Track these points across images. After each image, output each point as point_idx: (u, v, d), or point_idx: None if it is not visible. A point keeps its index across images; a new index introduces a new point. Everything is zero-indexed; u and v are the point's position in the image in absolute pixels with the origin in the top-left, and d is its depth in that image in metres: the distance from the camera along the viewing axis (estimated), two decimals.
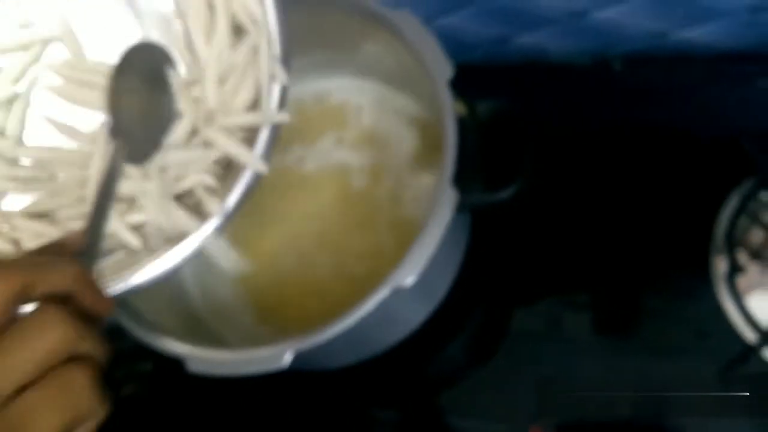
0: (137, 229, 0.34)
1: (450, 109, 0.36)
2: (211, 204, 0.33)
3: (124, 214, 0.34)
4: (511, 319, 0.50)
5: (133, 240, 0.33)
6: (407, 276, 0.35)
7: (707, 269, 0.45)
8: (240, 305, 0.47)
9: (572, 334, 0.48)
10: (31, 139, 0.37)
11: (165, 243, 0.33)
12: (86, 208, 0.34)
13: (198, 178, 0.34)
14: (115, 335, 0.53)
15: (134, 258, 0.33)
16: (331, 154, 0.49)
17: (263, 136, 0.33)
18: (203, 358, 0.36)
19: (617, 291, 0.48)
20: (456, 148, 0.36)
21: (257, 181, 0.33)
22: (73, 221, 0.35)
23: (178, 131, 0.34)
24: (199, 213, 0.34)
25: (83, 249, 0.29)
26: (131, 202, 0.34)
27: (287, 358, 0.35)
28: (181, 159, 0.34)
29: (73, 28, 0.37)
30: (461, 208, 0.36)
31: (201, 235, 0.33)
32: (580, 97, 0.56)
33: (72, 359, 0.24)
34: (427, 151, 0.46)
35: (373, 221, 0.46)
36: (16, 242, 0.35)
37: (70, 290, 0.26)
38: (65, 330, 0.24)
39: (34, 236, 0.34)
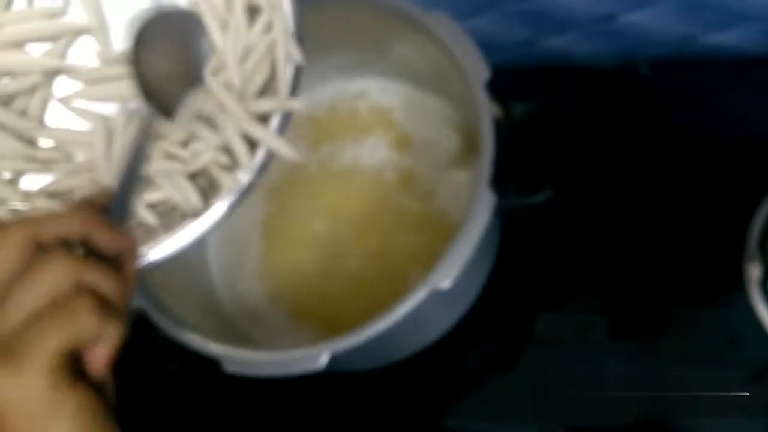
0: (153, 207, 0.34)
1: (487, 110, 0.36)
2: (225, 179, 0.33)
3: (141, 193, 0.34)
4: (538, 323, 0.49)
5: (149, 217, 0.34)
6: (444, 278, 0.35)
7: (741, 275, 0.45)
8: (271, 306, 0.47)
9: (600, 340, 0.48)
10: (50, 120, 0.37)
11: (181, 220, 0.34)
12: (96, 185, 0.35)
13: (213, 155, 0.34)
14: (142, 334, 0.53)
15: (150, 235, 0.34)
16: (364, 154, 0.49)
17: (276, 119, 0.34)
18: (239, 359, 0.36)
19: (648, 297, 0.48)
20: (493, 150, 0.36)
21: (272, 159, 0.34)
22: None
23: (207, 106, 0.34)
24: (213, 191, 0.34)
25: (110, 206, 0.31)
26: (147, 181, 0.35)
27: (324, 359, 0.35)
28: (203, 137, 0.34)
29: (106, 20, 0.37)
30: (497, 210, 0.36)
31: (216, 212, 0.33)
32: (608, 100, 0.56)
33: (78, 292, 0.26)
34: (460, 152, 0.46)
35: (407, 221, 0.46)
36: None
37: (82, 233, 0.28)
38: (66, 266, 0.26)
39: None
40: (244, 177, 0.33)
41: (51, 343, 0.25)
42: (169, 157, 0.34)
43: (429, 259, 0.44)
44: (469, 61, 0.38)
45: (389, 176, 0.48)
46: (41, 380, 0.25)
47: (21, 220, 0.28)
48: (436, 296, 0.36)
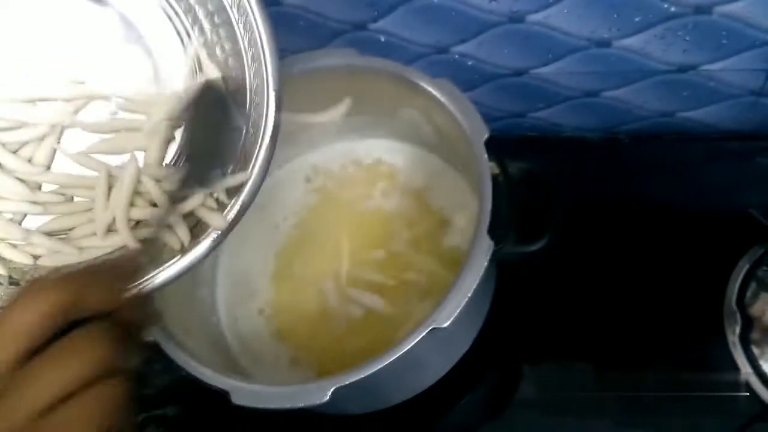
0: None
1: (485, 166, 0.40)
2: (213, 218, 0.36)
3: (133, 230, 0.37)
4: (526, 375, 0.51)
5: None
6: (445, 316, 0.37)
7: (722, 332, 0.48)
8: (274, 346, 0.49)
9: (587, 394, 0.50)
10: (55, 165, 0.40)
11: (170, 255, 0.36)
12: (97, 228, 0.38)
13: (201, 198, 0.37)
14: (140, 380, 0.54)
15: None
16: (371, 204, 0.52)
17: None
18: (247, 391, 0.37)
19: (631, 352, 0.50)
20: (491, 201, 0.39)
21: (254, 198, 0.37)
22: (86, 239, 0.38)
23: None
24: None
25: (136, 270, 0.32)
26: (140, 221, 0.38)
27: (327, 394, 0.36)
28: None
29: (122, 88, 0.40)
30: (494, 257, 0.38)
31: (204, 246, 0.36)
32: (592, 167, 0.60)
33: (107, 374, 0.26)
34: (458, 206, 0.50)
35: (407, 264, 0.49)
36: (34, 257, 0.38)
37: (113, 307, 0.27)
38: (103, 350, 0.25)
39: (51, 252, 0.38)
40: (228, 218, 0.36)
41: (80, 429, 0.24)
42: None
43: (432, 305, 0.47)
44: (470, 122, 0.42)
45: (395, 223, 0.51)
46: None
47: (53, 285, 0.26)
48: (435, 335, 0.38)
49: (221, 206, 0.38)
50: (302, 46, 0.57)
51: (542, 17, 0.49)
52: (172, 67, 0.40)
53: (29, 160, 0.39)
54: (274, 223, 0.53)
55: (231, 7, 0.39)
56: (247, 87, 0.39)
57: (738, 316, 0.48)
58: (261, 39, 0.38)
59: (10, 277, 0.38)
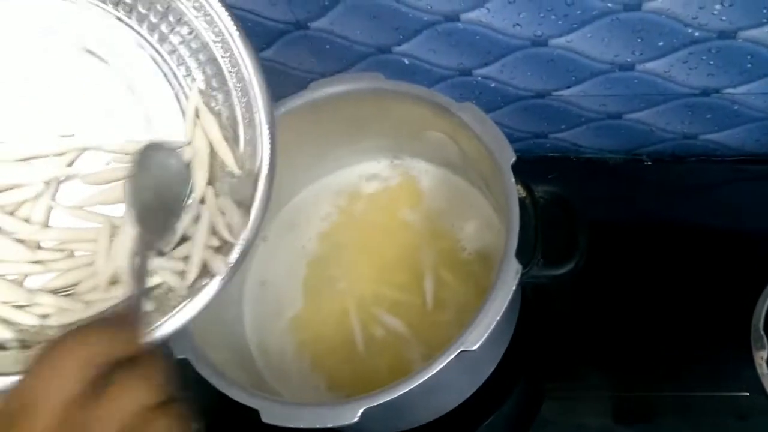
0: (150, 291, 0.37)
1: (513, 189, 0.40)
2: (217, 263, 0.36)
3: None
4: (547, 400, 0.51)
5: (148, 304, 0.36)
6: (474, 340, 0.37)
7: (749, 356, 0.47)
8: (297, 363, 0.50)
9: (609, 416, 0.50)
10: (52, 221, 0.40)
11: (177, 301, 0.36)
12: (100, 280, 0.37)
13: (204, 240, 0.37)
14: None
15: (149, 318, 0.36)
16: (396, 224, 0.53)
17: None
18: (277, 410, 0.38)
19: (657, 377, 0.50)
20: (518, 224, 0.39)
21: (255, 236, 0.37)
22: (91, 293, 0.38)
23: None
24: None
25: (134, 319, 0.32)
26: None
27: (358, 414, 0.37)
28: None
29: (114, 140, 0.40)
30: (522, 279, 0.39)
31: (210, 290, 0.36)
32: (613, 190, 0.60)
33: (168, 400, 0.28)
34: (483, 227, 0.50)
35: (430, 284, 0.50)
36: (42, 317, 0.37)
37: (126, 353, 0.29)
38: (159, 378, 0.28)
39: (58, 310, 0.37)
40: (233, 257, 0.36)
41: None
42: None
43: (455, 325, 0.47)
44: (496, 146, 0.42)
45: (419, 243, 0.51)
46: None
47: (69, 346, 0.27)
48: (463, 358, 0.38)
49: (225, 246, 0.37)
50: (328, 69, 0.58)
51: (565, 41, 0.50)
52: (163, 114, 0.40)
53: (27, 220, 0.39)
54: (301, 242, 0.54)
55: (223, 58, 0.39)
56: (239, 125, 0.39)
57: (765, 340, 0.47)
58: (253, 84, 0.39)
59: (21, 341, 0.37)
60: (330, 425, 0.37)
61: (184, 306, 0.36)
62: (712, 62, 0.49)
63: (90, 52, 0.40)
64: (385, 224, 0.53)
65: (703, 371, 0.49)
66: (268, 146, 0.38)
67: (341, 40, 0.54)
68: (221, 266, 0.36)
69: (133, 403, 0.27)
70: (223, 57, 0.39)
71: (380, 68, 0.56)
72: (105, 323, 0.33)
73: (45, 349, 0.27)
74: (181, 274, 0.37)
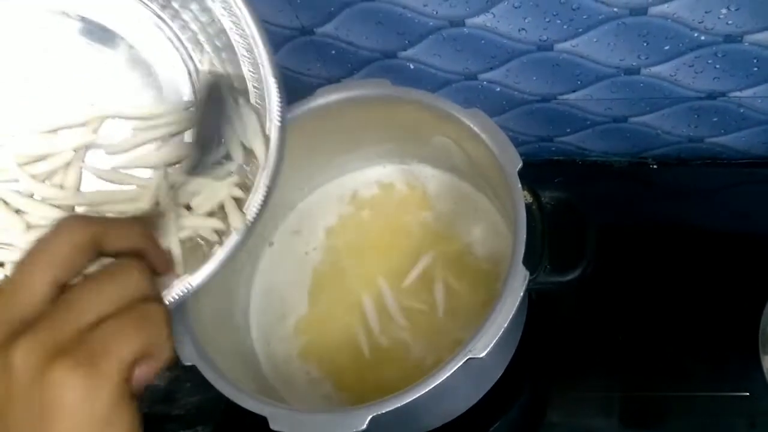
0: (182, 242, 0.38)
1: (519, 195, 0.40)
2: (234, 218, 0.38)
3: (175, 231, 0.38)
4: (554, 404, 0.51)
5: (178, 250, 0.37)
6: (482, 347, 0.37)
7: (758, 361, 0.47)
8: (303, 368, 0.50)
9: (621, 421, 0.50)
10: (84, 185, 0.41)
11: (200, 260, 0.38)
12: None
13: (227, 190, 0.39)
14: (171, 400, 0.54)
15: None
16: (398, 229, 0.53)
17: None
18: (286, 418, 0.38)
19: (664, 381, 0.50)
20: (525, 231, 0.39)
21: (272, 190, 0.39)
22: None
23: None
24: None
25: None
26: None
27: (366, 422, 0.37)
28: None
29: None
30: (529, 285, 0.39)
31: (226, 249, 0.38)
32: (619, 193, 0.60)
33: (145, 299, 0.27)
34: (489, 233, 0.50)
35: (438, 290, 0.50)
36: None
37: (139, 247, 0.29)
38: (139, 277, 0.27)
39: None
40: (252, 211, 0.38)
41: (126, 348, 0.24)
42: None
43: (461, 330, 0.47)
44: (503, 152, 0.42)
45: (426, 248, 0.51)
46: (111, 388, 0.24)
47: (83, 219, 0.27)
48: (471, 365, 0.38)
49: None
50: (333, 74, 0.58)
51: (570, 45, 0.50)
52: (175, 84, 0.42)
53: (61, 186, 0.40)
54: (307, 248, 0.54)
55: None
56: (247, 81, 0.40)
57: None
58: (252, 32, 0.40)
59: None
60: None
61: (207, 261, 0.37)
62: (718, 66, 0.49)
63: (105, 28, 0.41)
64: (392, 230, 0.53)
65: (710, 374, 0.49)
66: (276, 95, 0.40)
67: (346, 46, 0.54)
68: (239, 221, 0.38)
69: (103, 297, 0.26)
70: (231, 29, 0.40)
71: (385, 73, 0.56)
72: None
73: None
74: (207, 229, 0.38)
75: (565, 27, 0.48)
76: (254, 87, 0.40)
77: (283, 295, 0.53)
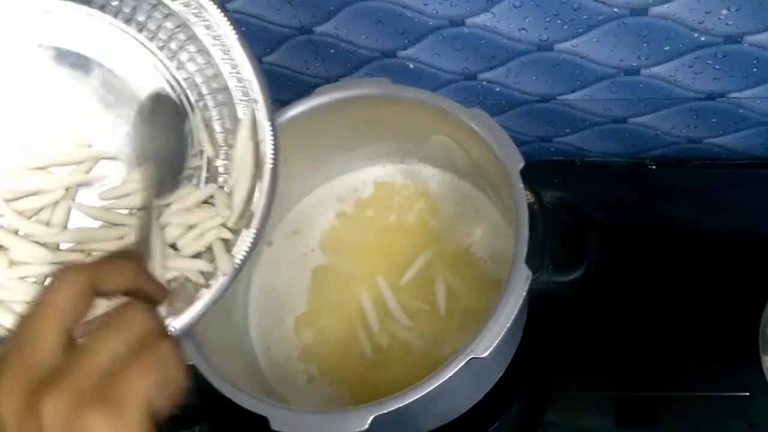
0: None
1: (521, 195, 0.40)
2: (223, 260, 0.38)
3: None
4: (552, 405, 0.51)
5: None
6: (484, 347, 0.37)
7: (758, 362, 0.47)
8: (303, 369, 0.50)
9: (620, 424, 0.50)
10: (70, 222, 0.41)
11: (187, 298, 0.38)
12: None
13: (216, 232, 0.39)
14: None
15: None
16: (397, 229, 0.53)
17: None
18: (287, 418, 0.38)
19: (664, 381, 0.50)
20: (528, 230, 0.39)
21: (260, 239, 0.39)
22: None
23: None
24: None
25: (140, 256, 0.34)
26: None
27: (368, 422, 0.37)
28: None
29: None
30: (531, 285, 0.39)
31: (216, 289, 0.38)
32: (618, 194, 0.60)
33: (154, 337, 0.28)
34: (489, 232, 0.50)
35: (438, 289, 0.49)
36: None
37: (134, 285, 0.30)
38: (147, 313, 0.28)
39: None
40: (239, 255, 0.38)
41: (145, 385, 0.26)
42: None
43: (462, 330, 0.47)
44: (505, 151, 0.42)
45: (425, 248, 0.51)
46: (138, 425, 0.25)
47: (78, 268, 0.29)
48: (473, 365, 0.38)
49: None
50: (332, 73, 0.58)
51: (571, 46, 0.50)
52: None
53: (47, 223, 0.40)
54: (306, 247, 0.54)
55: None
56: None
57: None
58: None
59: None
60: None
61: (193, 304, 0.37)
62: (717, 66, 0.49)
63: (100, 64, 0.41)
64: (392, 229, 0.53)
65: (710, 374, 0.49)
66: (271, 145, 0.39)
67: (346, 45, 0.54)
68: (227, 265, 0.38)
69: (116, 341, 0.27)
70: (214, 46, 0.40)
71: (385, 72, 0.56)
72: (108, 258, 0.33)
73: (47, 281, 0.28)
74: (194, 271, 0.38)
75: (565, 27, 0.48)
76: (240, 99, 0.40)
77: (283, 294, 0.53)
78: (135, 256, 0.34)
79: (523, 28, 0.49)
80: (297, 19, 0.53)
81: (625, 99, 0.55)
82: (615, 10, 0.46)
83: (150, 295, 0.30)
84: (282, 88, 0.60)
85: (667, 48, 0.49)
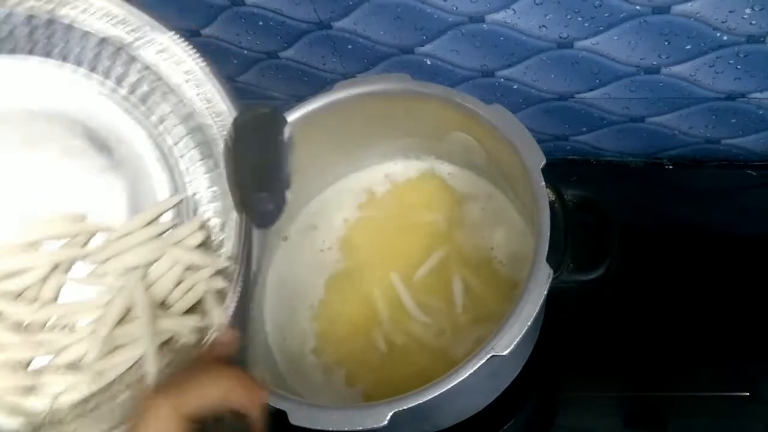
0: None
1: (543, 193, 0.40)
2: (216, 313, 0.37)
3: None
4: (570, 402, 0.51)
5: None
6: (504, 345, 0.37)
7: None
8: (318, 365, 0.50)
9: (632, 423, 0.50)
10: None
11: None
12: (102, 344, 0.37)
13: (205, 286, 0.38)
14: None
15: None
16: (414, 225, 0.52)
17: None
18: (306, 413, 0.38)
19: (679, 384, 0.50)
20: (549, 228, 0.39)
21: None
22: (98, 363, 0.37)
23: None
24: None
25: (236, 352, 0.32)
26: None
27: (387, 418, 0.37)
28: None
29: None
30: (553, 283, 0.39)
31: None
32: (634, 193, 0.60)
33: None
34: (508, 230, 0.50)
35: (455, 287, 0.49)
36: (53, 396, 0.37)
37: (223, 403, 0.29)
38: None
39: (69, 387, 0.37)
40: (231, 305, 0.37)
41: None
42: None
43: (478, 327, 0.47)
44: (526, 149, 0.42)
45: (442, 245, 0.51)
46: None
47: (163, 393, 0.27)
48: (492, 362, 0.38)
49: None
50: (349, 69, 0.58)
51: (591, 43, 0.50)
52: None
53: (34, 300, 0.38)
54: (322, 243, 0.54)
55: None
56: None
57: None
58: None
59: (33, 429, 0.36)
60: (359, 428, 0.37)
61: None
62: (739, 66, 0.49)
63: (92, 138, 0.40)
64: (409, 225, 0.53)
65: (728, 379, 0.49)
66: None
67: (364, 40, 0.54)
68: (220, 317, 0.37)
69: None
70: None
71: (402, 69, 0.56)
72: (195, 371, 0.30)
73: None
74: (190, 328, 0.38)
75: (586, 24, 0.48)
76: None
77: (298, 289, 0.52)
78: (231, 350, 0.32)
79: (544, 26, 0.49)
80: (315, 15, 0.52)
81: (644, 98, 0.54)
82: (637, 7, 0.46)
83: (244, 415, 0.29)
84: (298, 84, 0.60)
85: (688, 47, 0.48)
